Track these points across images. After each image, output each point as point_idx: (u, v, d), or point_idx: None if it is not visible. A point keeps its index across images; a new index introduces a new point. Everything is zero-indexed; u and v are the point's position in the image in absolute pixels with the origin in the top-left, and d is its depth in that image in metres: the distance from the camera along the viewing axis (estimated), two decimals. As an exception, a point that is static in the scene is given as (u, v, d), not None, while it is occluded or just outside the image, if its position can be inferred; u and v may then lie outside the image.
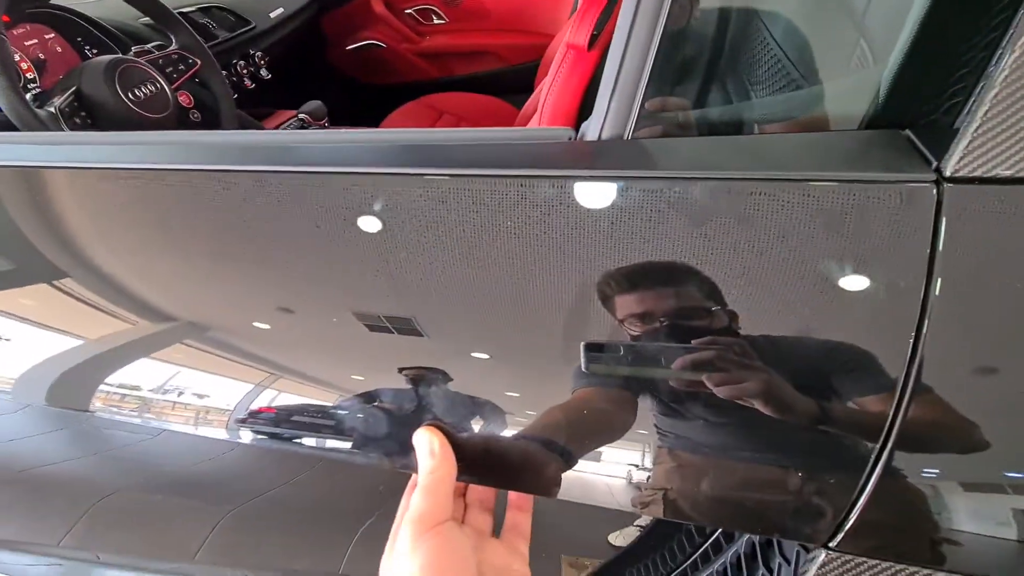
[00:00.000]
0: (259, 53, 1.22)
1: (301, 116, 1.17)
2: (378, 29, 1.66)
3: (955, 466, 0.32)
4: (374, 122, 1.49)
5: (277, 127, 1.21)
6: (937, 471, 0.32)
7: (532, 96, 1.24)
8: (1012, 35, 0.26)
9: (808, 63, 0.34)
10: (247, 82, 1.19)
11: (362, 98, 1.77)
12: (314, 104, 1.19)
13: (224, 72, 1.07)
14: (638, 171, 0.31)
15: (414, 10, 1.65)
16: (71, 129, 0.72)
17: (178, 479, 0.60)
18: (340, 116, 1.35)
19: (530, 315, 0.35)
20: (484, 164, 0.34)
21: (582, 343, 0.34)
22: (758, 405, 0.32)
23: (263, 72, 1.24)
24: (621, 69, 0.33)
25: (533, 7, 1.59)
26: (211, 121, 0.94)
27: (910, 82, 0.30)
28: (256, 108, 1.22)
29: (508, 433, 0.37)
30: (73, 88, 0.74)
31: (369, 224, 0.36)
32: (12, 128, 0.67)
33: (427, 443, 0.35)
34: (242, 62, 1.18)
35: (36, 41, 0.89)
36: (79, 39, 0.94)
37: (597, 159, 0.35)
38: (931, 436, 0.31)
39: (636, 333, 0.34)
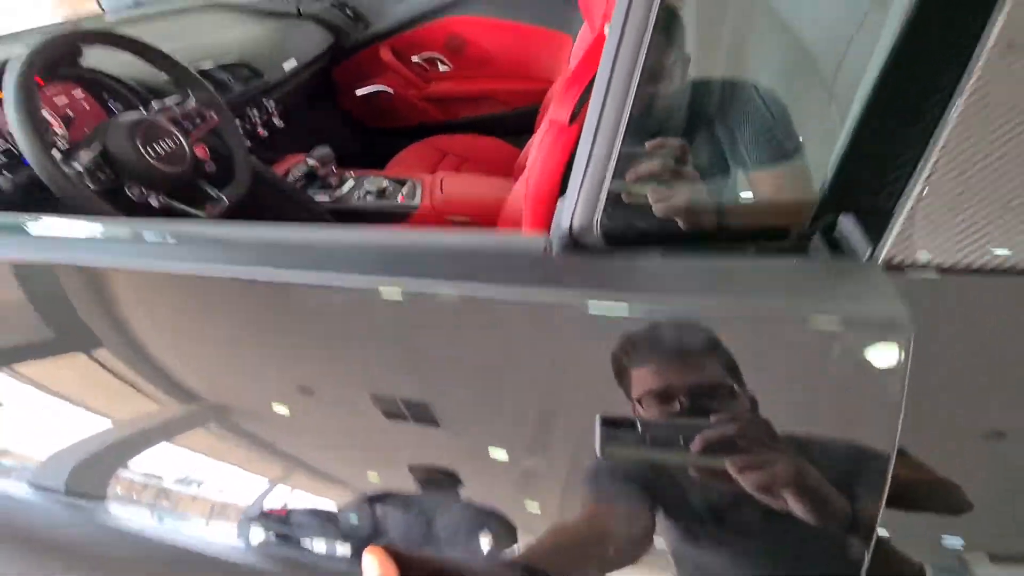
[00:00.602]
0: (272, 103, 1.29)
1: (310, 162, 1.23)
2: (386, 76, 1.74)
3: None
4: (381, 163, 1.54)
5: (286, 172, 1.27)
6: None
7: (527, 146, 1.30)
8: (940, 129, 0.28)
9: (771, 142, 0.37)
10: (261, 131, 1.26)
11: (370, 140, 1.85)
12: (322, 150, 1.25)
13: (239, 121, 1.13)
14: (610, 294, 0.34)
15: (421, 58, 1.73)
16: (95, 185, 0.77)
17: None
18: (348, 158, 1.41)
19: (516, 429, 0.38)
20: (458, 277, 0.37)
21: (598, 416, 0.33)
22: (790, 496, 0.29)
23: (276, 120, 1.31)
24: (592, 152, 0.36)
25: (533, 55, 1.67)
26: (225, 171, 0.99)
27: (853, 167, 0.33)
28: (268, 153, 1.28)
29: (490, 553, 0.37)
30: (99, 146, 0.80)
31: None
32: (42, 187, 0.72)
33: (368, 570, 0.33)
34: (256, 112, 1.25)
35: (66, 99, 0.96)
36: (104, 94, 1.01)
37: (568, 276, 0.37)
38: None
39: (653, 414, 0.32)
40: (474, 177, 1.33)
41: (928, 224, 0.30)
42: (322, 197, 1.24)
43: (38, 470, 0.51)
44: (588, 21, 0.67)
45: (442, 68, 1.76)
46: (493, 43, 1.69)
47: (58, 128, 0.91)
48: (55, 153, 0.74)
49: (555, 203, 0.42)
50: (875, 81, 0.30)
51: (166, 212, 0.86)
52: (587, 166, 0.36)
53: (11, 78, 0.71)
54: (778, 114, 0.36)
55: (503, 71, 1.73)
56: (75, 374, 0.48)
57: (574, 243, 0.38)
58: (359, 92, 1.76)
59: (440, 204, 1.21)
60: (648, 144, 0.36)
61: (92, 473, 0.48)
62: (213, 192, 0.93)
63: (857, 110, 0.32)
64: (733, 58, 0.37)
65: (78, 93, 0.97)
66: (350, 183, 1.27)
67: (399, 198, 1.24)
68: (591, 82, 0.38)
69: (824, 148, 0.34)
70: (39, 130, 0.71)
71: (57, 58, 0.82)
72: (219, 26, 1.37)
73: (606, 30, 0.38)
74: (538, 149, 0.54)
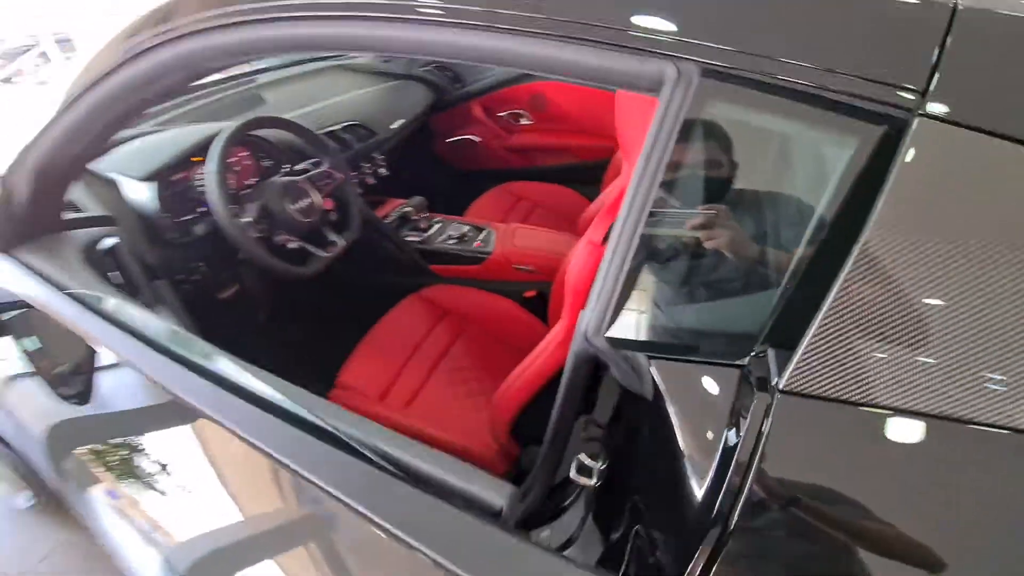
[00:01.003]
0: (380, 156, 1.56)
1: (407, 209, 1.47)
2: (475, 127, 1.98)
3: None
4: (465, 200, 1.77)
5: (385, 215, 1.53)
6: None
7: (599, 197, 1.46)
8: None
9: (733, 283, 0.52)
10: (369, 179, 1.52)
11: (457, 181, 2.09)
12: (417, 199, 1.50)
13: (354, 173, 1.40)
14: None
15: (507, 113, 1.96)
16: (255, 233, 1.04)
17: None
18: (439, 198, 1.66)
19: None
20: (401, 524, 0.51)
21: None
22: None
23: (382, 170, 1.57)
24: (608, 270, 0.52)
25: (604, 115, 1.84)
26: (343, 218, 1.24)
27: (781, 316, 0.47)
28: (373, 197, 1.55)
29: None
30: (260, 203, 1.07)
31: None
32: None
33: None
34: (367, 165, 1.52)
35: (234, 156, 1.25)
36: (260, 153, 1.30)
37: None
38: None
39: None
40: (544, 232, 1.51)
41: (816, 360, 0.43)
42: (413, 238, 1.48)
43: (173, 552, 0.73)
44: (625, 158, 0.82)
45: (524, 122, 1.97)
46: (570, 102, 1.88)
47: (231, 180, 1.20)
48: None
49: (581, 303, 0.59)
50: (800, 256, 0.45)
51: (300, 253, 1.12)
52: (602, 285, 0.52)
53: (215, 150, 0.99)
54: (741, 265, 0.51)
55: (578, 127, 1.91)
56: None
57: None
58: (449, 140, 2.02)
59: (510, 253, 1.41)
60: (646, 268, 0.52)
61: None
62: (334, 237, 1.18)
63: (787, 277, 0.46)
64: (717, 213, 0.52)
65: (243, 152, 1.27)
66: (437, 227, 1.51)
67: (475, 243, 1.45)
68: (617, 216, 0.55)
69: (766, 298, 0.49)
70: (225, 190, 0.98)
71: (244, 135, 1.10)
72: (343, 88, 1.67)
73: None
74: (576, 259, 0.71)
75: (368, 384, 1.15)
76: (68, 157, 0.80)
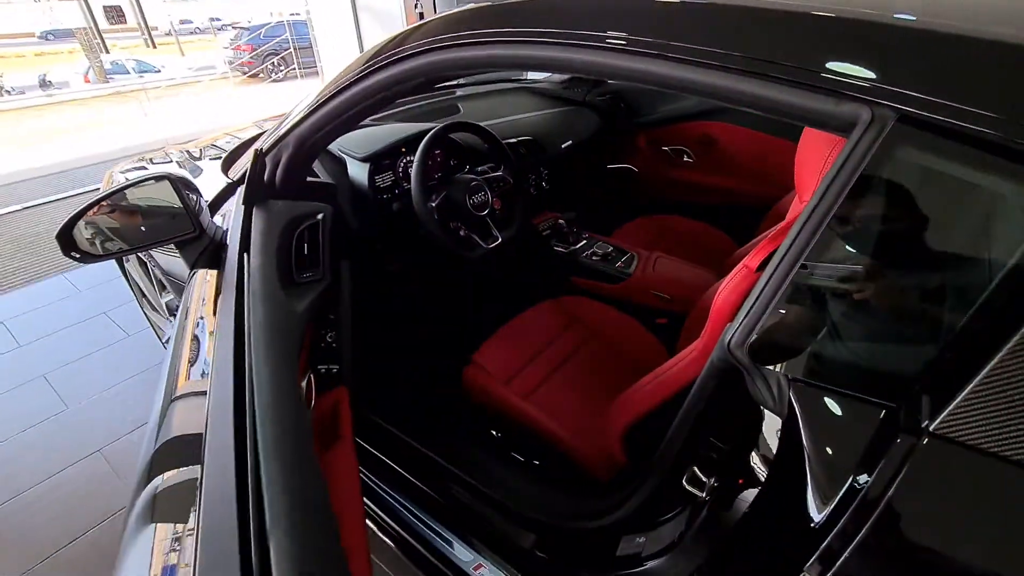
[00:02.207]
0: (545, 171, 1.71)
1: (560, 221, 1.59)
2: (637, 158, 2.06)
3: None
4: (612, 224, 1.84)
5: (540, 223, 1.66)
6: None
7: (749, 245, 1.44)
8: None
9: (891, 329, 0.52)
10: (532, 190, 1.67)
11: (610, 205, 2.17)
12: (570, 214, 1.61)
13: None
14: None
15: (670, 149, 2.00)
16: (438, 217, 1.22)
17: None
18: (590, 216, 1.76)
19: None
20: None
21: None
22: None
23: (543, 184, 1.71)
24: (759, 295, 0.55)
25: (772, 164, 1.79)
26: (506, 217, 1.39)
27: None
28: (532, 207, 1.70)
29: None
30: (444, 193, 1.25)
31: None
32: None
33: None
34: (533, 176, 1.67)
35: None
36: (449, 152, 1.51)
37: None
38: None
39: None
40: (687, 265, 1.53)
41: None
42: (560, 248, 1.59)
43: None
44: (798, 193, 0.82)
45: (686, 159, 2.00)
46: (739, 147, 1.87)
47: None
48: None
49: (724, 326, 0.62)
50: (976, 309, 0.44)
51: (467, 240, 1.28)
52: (753, 304, 0.56)
53: (423, 146, 1.20)
54: (903, 310, 0.51)
55: (740, 172, 1.89)
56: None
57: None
58: (610, 166, 2.11)
59: (649, 279, 1.45)
60: (801, 296, 0.54)
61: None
62: (496, 232, 1.33)
63: (958, 327, 0.46)
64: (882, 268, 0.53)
65: (437, 150, 1.48)
66: (584, 242, 1.60)
67: (618, 264, 1.51)
68: (780, 244, 0.58)
69: (926, 343, 0.49)
70: (424, 178, 1.18)
71: (446, 135, 1.31)
72: (525, 107, 1.86)
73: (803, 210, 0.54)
74: (728, 282, 0.74)
75: (498, 368, 1.27)
76: (320, 137, 1.03)
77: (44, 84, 12.72)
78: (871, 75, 0.48)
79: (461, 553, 1.04)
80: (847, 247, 0.52)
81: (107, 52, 13.22)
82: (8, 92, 11.96)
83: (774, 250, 0.70)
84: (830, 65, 0.49)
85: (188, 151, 1.60)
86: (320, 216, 1.02)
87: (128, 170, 1.57)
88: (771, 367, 0.56)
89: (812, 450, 0.53)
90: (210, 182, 1.28)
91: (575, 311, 1.43)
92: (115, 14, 13.18)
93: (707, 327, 0.75)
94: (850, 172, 0.49)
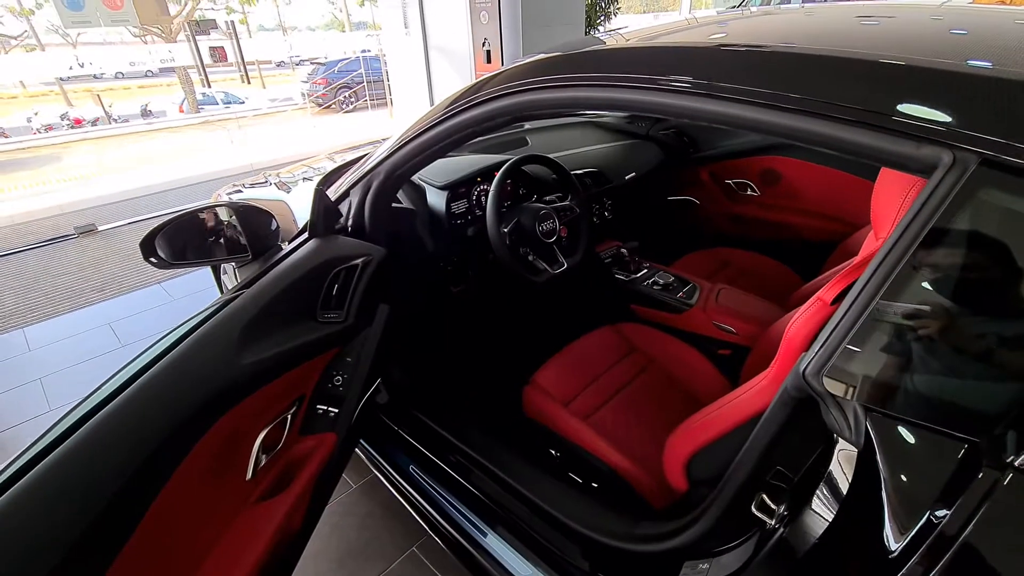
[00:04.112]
0: (609, 202, 1.76)
1: (622, 250, 1.63)
2: (698, 190, 2.08)
3: None
4: (673, 256, 1.86)
5: (602, 251, 1.71)
6: None
7: (816, 281, 1.42)
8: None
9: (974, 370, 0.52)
10: (595, 219, 1.73)
11: (671, 237, 2.19)
12: (632, 244, 1.65)
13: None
14: None
15: (733, 182, 2.01)
16: (508, 241, 1.29)
17: None
18: (651, 246, 1.79)
19: None
20: None
21: None
22: None
23: (606, 214, 1.77)
24: (836, 327, 0.57)
25: (838, 199, 1.76)
26: (571, 244, 1.45)
27: None
28: (597, 238, 1.75)
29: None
30: (515, 220, 1.33)
31: None
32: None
33: None
34: (597, 206, 1.73)
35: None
36: (519, 182, 1.60)
37: None
38: None
39: None
40: (749, 296, 1.53)
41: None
42: (621, 276, 1.63)
43: None
44: (875, 229, 0.83)
45: (749, 193, 2.00)
46: (805, 182, 1.85)
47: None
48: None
49: (796, 356, 0.64)
50: None
51: (533, 265, 1.35)
52: (829, 335, 0.58)
53: (501, 174, 1.29)
54: (986, 349, 0.52)
55: (807, 206, 1.87)
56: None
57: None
58: (672, 198, 2.14)
59: (712, 311, 1.46)
60: (879, 329, 0.55)
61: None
62: (561, 258, 1.39)
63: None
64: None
65: (509, 180, 1.58)
66: (644, 271, 1.63)
67: (679, 294, 1.53)
68: (857, 279, 0.60)
69: (1009, 382, 0.49)
70: (499, 205, 1.26)
71: (519, 167, 1.39)
72: (590, 140, 1.94)
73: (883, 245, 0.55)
74: (801, 314, 0.75)
75: (557, 389, 1.31)
76: (408, 168, 1.12)
77: (145, 113, 14.17)
78: (950, 119, 0.50)
79: (519, 566, 1.07)
80: (927, 285, 0.53)
81: (210, 86, 14.69)
82: (115, 120, 13.41)
83: (850, 284, 0.71)
84: (911, 110, 0.52)
85: (280, 175, 1.78)
86: (360, 261, 1.04)
87: (232, 191, 1.75)
88: (847, 397, 0.57)
89: (889, 480, 0.54)
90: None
91: (634, 339, 1.46)
92: (219, 54, 14.90)
93: (778, 357, 0.76)
94: (931, 212, 0.51)
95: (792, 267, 1.78)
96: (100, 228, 4.08)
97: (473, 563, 1.14)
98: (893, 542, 0.52)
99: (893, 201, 0.73)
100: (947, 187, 0.49)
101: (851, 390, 0.57)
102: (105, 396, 0.72)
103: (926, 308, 0.53)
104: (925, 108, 0.52)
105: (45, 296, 3.05)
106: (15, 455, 0.66)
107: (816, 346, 0.60)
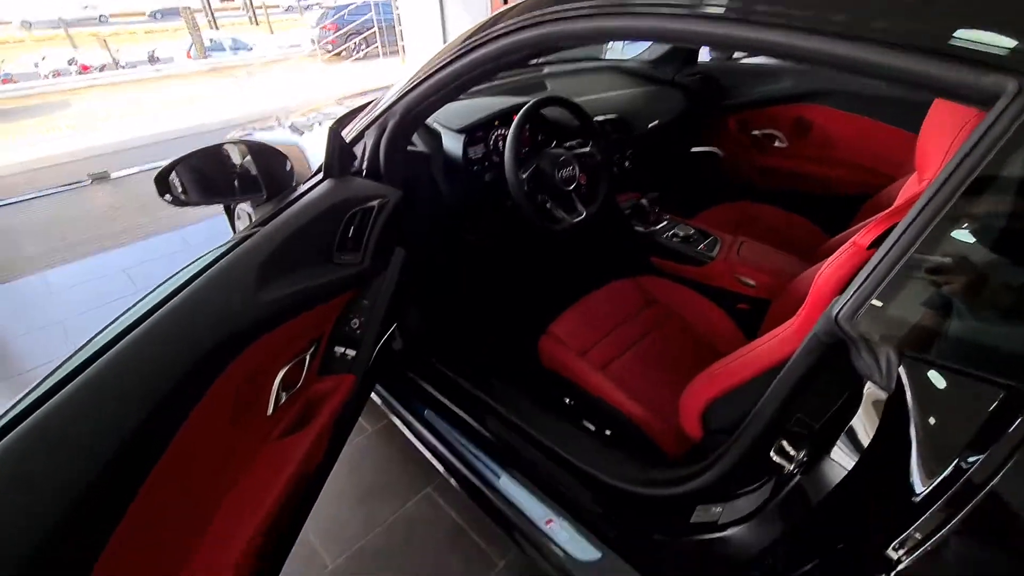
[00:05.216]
0: (630, 151, 1.70)
1: (642, 201, 1.59)
2: (724, 141, 1.99)
3: None
4: (694, 210, 1.81)
5: (622, 201, 1.66)
6: None
7: (843, 235, 1.37)
8: None
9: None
10: (615, 169, 1.67)
11: (692, 189, 2.13)
12: (653, 194, 1.60)
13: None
14: None
15: (761, 133, 1.93)
16: (527, 188, 1.25)
17: None
18: (672, 198, 1.74)
19: None
20: None
21: None
22: None
23: (627, 163, 1.71)
24: (873, 271, 0.55)
25: (872, 150, 1.68)
26: (590, 193, 1.41)
27: None
28: (616, 188, 1.70)
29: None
30: (535, 166, 1.29)
31: None
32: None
33: None
34: (617, 155, 1.67)
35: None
36: (538, 127, 1.54)
37: None
38: None
39: None
40: (772, 250, 1.49)
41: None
42: (640, 228, 1.59)
43: None
44: (919, 171, 0.79)
45: (777, 144, 1.92)
46: (838, 132, 1.77)
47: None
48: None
49: (826, 304, 0.62)
50: None
51: (550, 213, 1.31)
52: (866, 279, 0.56)
53: (519, 118, 1.24)
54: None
55: (840, 157, 1.79)
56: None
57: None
58: (695, 149, 2.06)
59: (733, 263, 1.42)
60: (921, 274, 0.53)
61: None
62: (580, 207, 1.36)
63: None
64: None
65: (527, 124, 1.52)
66: (664, 223, 1.59)
67: (699, 247, 1.50)
68: (897, 223, 0.57)
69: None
70: (518, 150, 1.22)
71: (539, 110, 1.34)
72: (613, 86, 1.85)
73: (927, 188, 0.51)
74: (834, 260, 0.72)
75: (573, 340, 1.30)
76: (424, 108, 1.08)
77: (152, 59, 13.89)
78: (1016, 43, 0.46)
79: (532, 506, 1.10)
80: (977, 225, 0.50)
81: (217, 29, 14.25)
82: (122, 67, 13.17)
83: (888, 228, 0.68)
84: (971, 34, 0.48)
85: (293, 121, 1.73)
86: (376, 203, 1.02)
87: (243, 135, 1.72)
88: (881, 342, 0.56)
89: (919, 425, 0.53)
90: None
91: (653, 291, 1.44)
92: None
93: (806, 304, 0.74)
94: (987, 148, 0.47)
95: (818, 223, 1.72)
96: (113, 175, 4.07)
97: (487, 503, 1.17)
98: (919, 486, 0.52)
99: (943, 139, 0.68)
100: (1009, 119, 0.45)
101: (886, 335, 0.55)
102: (121, 330, 0.70)
103: (972, 252, 0.51)
104: (987, 32, 0.47)
105: (63, 242, 3.08)
106: (28, 390, 0.65)
107: (851, 290, 0.58)
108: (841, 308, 0.58)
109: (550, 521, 1.07)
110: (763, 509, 0.74)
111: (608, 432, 1.19)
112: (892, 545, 0.51)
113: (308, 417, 0.96)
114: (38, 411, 0.61)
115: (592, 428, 1.21)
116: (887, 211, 0.72)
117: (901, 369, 0.54)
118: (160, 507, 0.70)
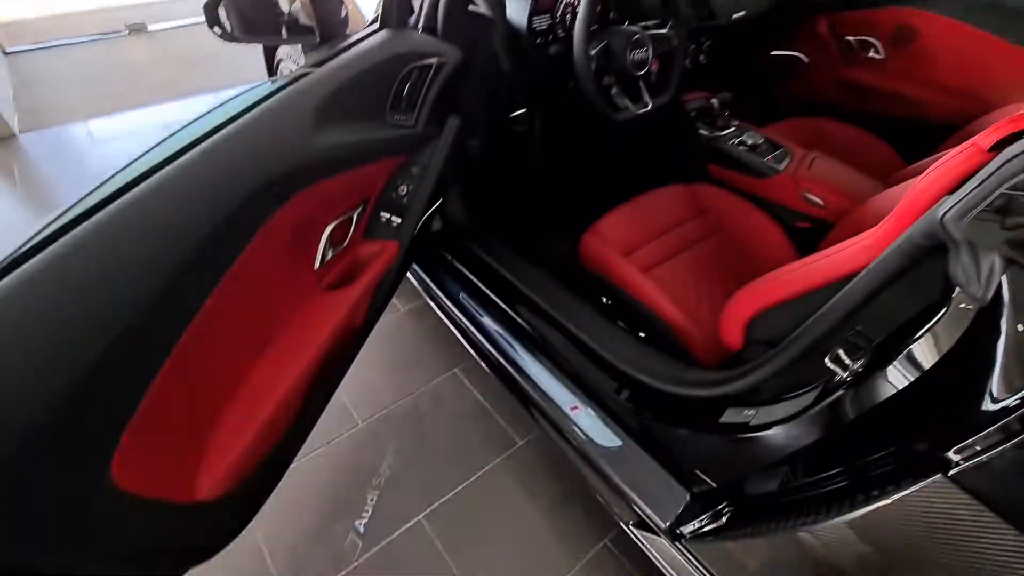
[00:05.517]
0: (708, 43, 1.53)
1: (712, 102, 1.46)
2: (808, 46, 1.78)
3: None
4: (766, 120, 1.66)
5: (690, 101, 1.53)
6: None
7: (925, 162, 1.26)
8: None
9: None
10: (687, 63, 1.52)
11: (766, 97, 1.94)
12: (725, 95, 1.47)
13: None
14: None
15: (855, 40, 1.71)
16: (594, 65, 1.14)
17: None
18: (742, 107, 1.60)
19: None
20: None
21: None
22: None
23: (701, 57, 1.55)
24: (992, 174, 0.49)
25: (985, 70, 1.48)
26: (661, 83, 1.29)
27: None
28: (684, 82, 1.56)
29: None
30: (605, 43, 1.17)
31: None
32: None
33: None
34: (693, 46, 1.51)
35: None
36: (611, 2, 1.38)
37: None
38: None
39: None
40: (848, 169, 1.37)
41: None
42: (704, 131, 1.48)
43: None
44: None
45: (872, 54, 1.71)
46: (947, 46, 1.55)
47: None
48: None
49: (922, 211, 0.57)
50: None
51: (616, 99, 1.21)
52: (985, 179, 0.50)
53: None
54: None
55: (939, 78, 1.59)
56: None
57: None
58: (776, 52, 1.86)
59: (802, 179, 1.33)
60: None
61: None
62: (646, 96, 1.25)
63: None
64: None
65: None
66: (732, 129, 1.47)
67: (767, 158, 1.39)
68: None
69: None
70: (590, 23, 1.10)
71: None
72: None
73: None
74: (947, 158, 0.65)
75: (618, 239, 1.26)
76: None
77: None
78: None
79: (559, 392, 1.13)
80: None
81: None
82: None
83: (1013, 132, 0.60)
84: None
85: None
86: (435, 61, 0.94)
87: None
88: (988, 247, 0.51)
89: (1012, 336, 0.50)
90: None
91: (707, 200, 1.36)
92: None
93: (896, 213, 0.69)
94: None
95: (899, 149, 1.58)
96: (150, 27, 3.91)
97: (515, 385, 1.21)
98: (997, 393, 0.50)
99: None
100: None
101: (993, 240, 0.51)
102: (168, 155, 0.67)
103: None
104: None
105: (102, 92, 3.03)
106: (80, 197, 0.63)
107: (964, 191, 0.53)
108: (950, 208, 0.53)
109: (575, 408, 1.10)
110: (801, 415, 0.74)
111: (642, 335, 1.18)
112: (953, 449, 0.51)
113: (352, 277, 0.97)
114: (83, 234, 0.58)
115: (626, 329, 1.21)
116: (1015, 116, 0.63)
117: (1005, 277, 0.50)
118: (212, 335, 0.69)
